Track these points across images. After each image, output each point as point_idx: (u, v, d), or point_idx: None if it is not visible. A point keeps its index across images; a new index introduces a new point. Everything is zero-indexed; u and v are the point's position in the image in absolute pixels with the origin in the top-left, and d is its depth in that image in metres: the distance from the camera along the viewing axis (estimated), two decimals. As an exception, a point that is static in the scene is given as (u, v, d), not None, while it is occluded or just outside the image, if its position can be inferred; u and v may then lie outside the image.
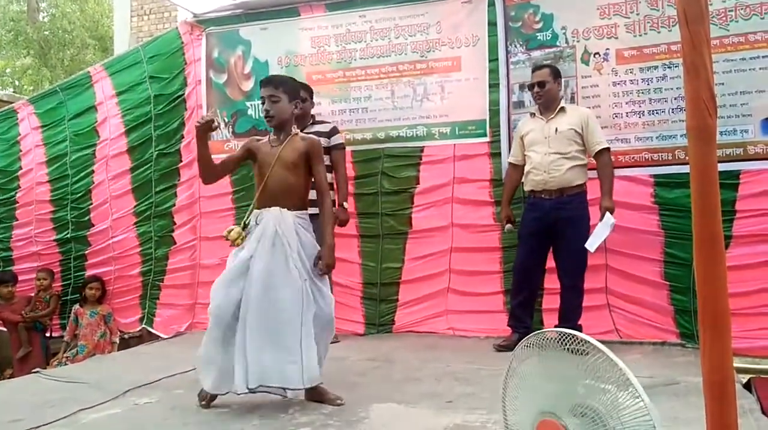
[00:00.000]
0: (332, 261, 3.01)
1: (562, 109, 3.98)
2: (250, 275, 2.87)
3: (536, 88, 3.97)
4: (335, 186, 4.41)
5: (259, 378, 2.80)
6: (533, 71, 4.07)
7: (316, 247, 3.02)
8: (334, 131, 4.45)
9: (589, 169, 3.99)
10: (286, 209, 2.96)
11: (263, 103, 3.06)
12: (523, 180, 4.10)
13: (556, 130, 3.90)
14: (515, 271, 4.11)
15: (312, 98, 4.53)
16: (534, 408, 1.78)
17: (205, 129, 2.95)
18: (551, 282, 4.16)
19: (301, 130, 4.29)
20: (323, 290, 3.00)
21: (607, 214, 3.80)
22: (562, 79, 4.12)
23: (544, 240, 3.97)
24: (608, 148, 3.91)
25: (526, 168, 4.02)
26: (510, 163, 4.22)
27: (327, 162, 4.34)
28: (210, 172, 3.14)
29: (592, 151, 3.91)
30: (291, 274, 2.86)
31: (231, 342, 2.88)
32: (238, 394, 2.82)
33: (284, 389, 2.88)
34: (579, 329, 3.81)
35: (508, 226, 4.14)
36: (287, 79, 3.26)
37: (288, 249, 2.88)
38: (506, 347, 3.91)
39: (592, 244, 3.82)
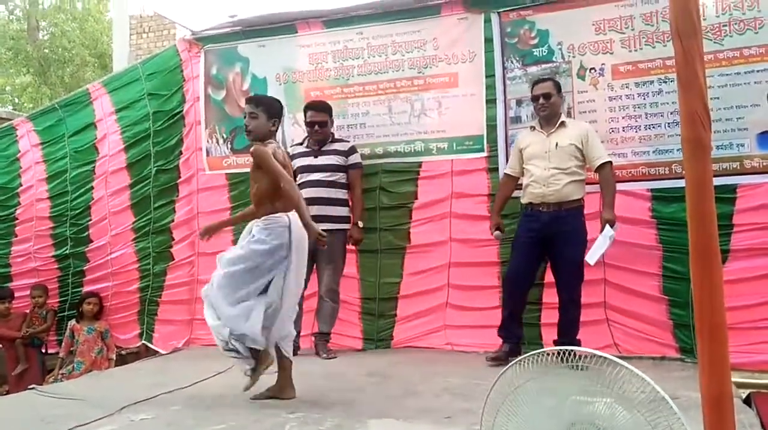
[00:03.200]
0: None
1: (563, 123, 3.99)
2: None
3: (541, 100, 3.97)
4: (350, 203, 4.44)
5: None
6: (536, 84, 4.07)
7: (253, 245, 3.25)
8: (352, 151, 4.52)
9: (588, 183, 4.00)
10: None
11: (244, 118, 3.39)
12: (521, 192, 4.11)
13: (557, 145, 3.91)
14: (507, 281, 4.11)
15: (332, 117, 4.59)
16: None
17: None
18: (549, 296, 4.15)
19: (320, 148, 4.52)
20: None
21: (607, 226, 3.80)
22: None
23: (538, 252, 3.98)
24: (610, 162, 3.92)
25: (525, 181, 4.03)
26: (506, 174, 4.22)
27: (344, 180, 4.44)
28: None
29: (593, 165, 3.92)
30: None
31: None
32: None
33: None
34: (578, 343, 3.80)
35: (497, 232, 4.14)
36: (269, 99, 3.62)
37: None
38: (497, 358, 3.90)
39: (592, 256, 3.81)
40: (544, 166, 3.90)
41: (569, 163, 3.88)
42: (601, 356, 1.65)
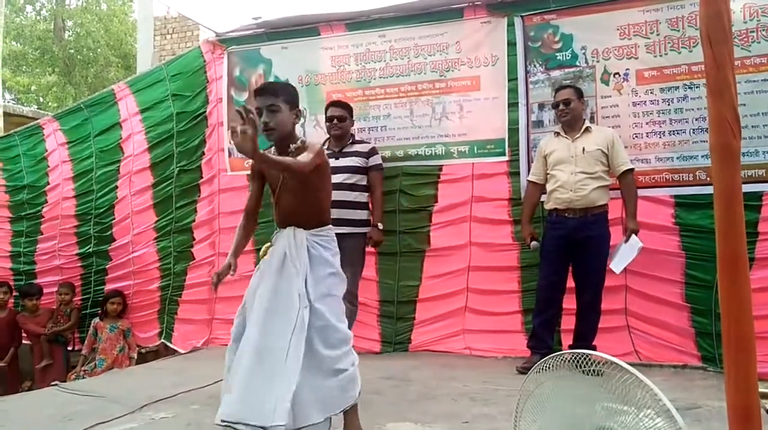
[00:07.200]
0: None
1: (587, 128, 3.97)
2: (257, 296, 2.58)
3: (561, 106, 3.97)
4: (371, 206, 4.40)
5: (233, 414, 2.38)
6: (557, 91, 4.08)
7: (333, 265, 2.76)
8: (373, 152, 4.43)
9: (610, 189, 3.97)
10: (300, 229, 2.65)
11: (260, 115, 2.58)
12: (544, 198, 4.08)
13: (584, 149, 3.89)
14: (540, 289, 4.06)
15: (352, 117, 4.48)
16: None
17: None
18: (569, 302, 4.12)
19: (340, 150, 4.33)
20: (331, 310, 2.68)
21: (633, 236, 3.80)
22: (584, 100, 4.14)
23: (566, 258, 3.94)
24: (632, 169, 3.91)
25: (550, 186, 3.99)
26: (530, 182, 4.19)
27: (364, 182, 4.34)
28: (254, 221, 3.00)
29: (617, 171, 3.90)
30: (291, 300, 2.52)
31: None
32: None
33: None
34: (594, 349, 3.76)
35: (534, 243, 4.07)
36: (287, 86, 2.85)
37: (293, 272, 2.57)
38: (528, 369, 3.85)
39: (618, 265, 3.82)
40: (571, 171, 3.87)
41: (596, 168, 3.86)
42: (618, 364, 1.64)
